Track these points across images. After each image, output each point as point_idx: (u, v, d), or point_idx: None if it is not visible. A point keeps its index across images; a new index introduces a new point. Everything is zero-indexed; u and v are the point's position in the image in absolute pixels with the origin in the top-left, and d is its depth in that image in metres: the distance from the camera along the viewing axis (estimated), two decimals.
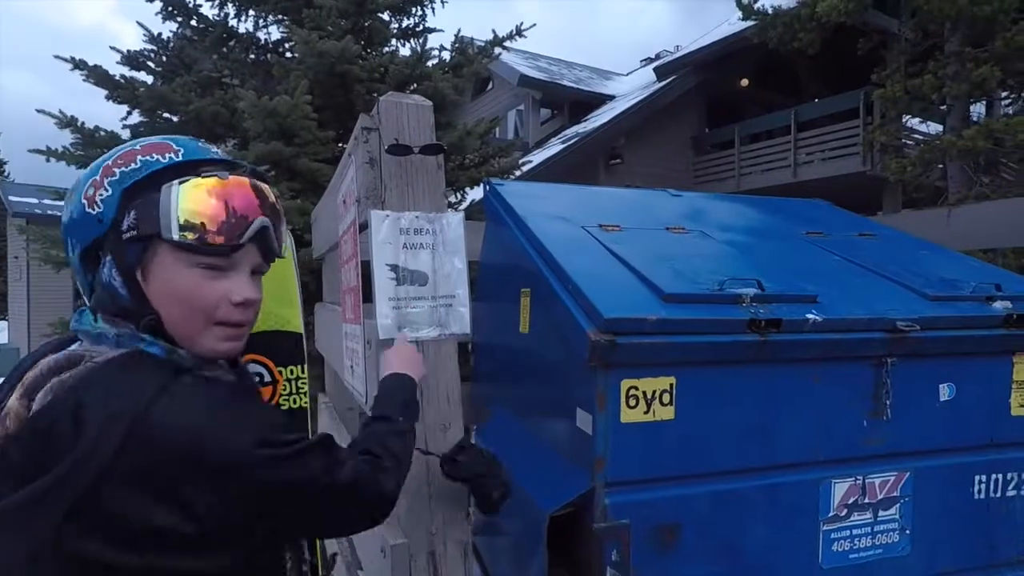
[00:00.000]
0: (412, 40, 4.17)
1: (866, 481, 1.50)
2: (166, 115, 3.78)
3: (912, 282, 1.69)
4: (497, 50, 4.06)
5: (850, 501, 1.49)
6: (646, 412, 1.33)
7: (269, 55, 3.88)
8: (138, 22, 3.69)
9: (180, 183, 0.75)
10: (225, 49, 4.04)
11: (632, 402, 1.32)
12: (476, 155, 4.06)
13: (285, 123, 2.86)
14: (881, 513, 1.52)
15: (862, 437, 1.50)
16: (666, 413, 1.35)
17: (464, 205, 4.30)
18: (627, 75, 14.76)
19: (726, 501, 1.40)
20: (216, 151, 0.83)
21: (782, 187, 9.54)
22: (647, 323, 1.29)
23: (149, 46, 3.77)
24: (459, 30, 4.19)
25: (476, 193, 3.90)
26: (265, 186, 0.82)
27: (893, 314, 1.49)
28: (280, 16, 3.74)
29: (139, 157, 0.77)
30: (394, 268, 1.09)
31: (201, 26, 3.80)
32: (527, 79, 11.83)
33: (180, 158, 0.78)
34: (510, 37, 4.20)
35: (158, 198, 0.74)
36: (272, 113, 2.81)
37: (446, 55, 4.17)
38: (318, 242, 2.45)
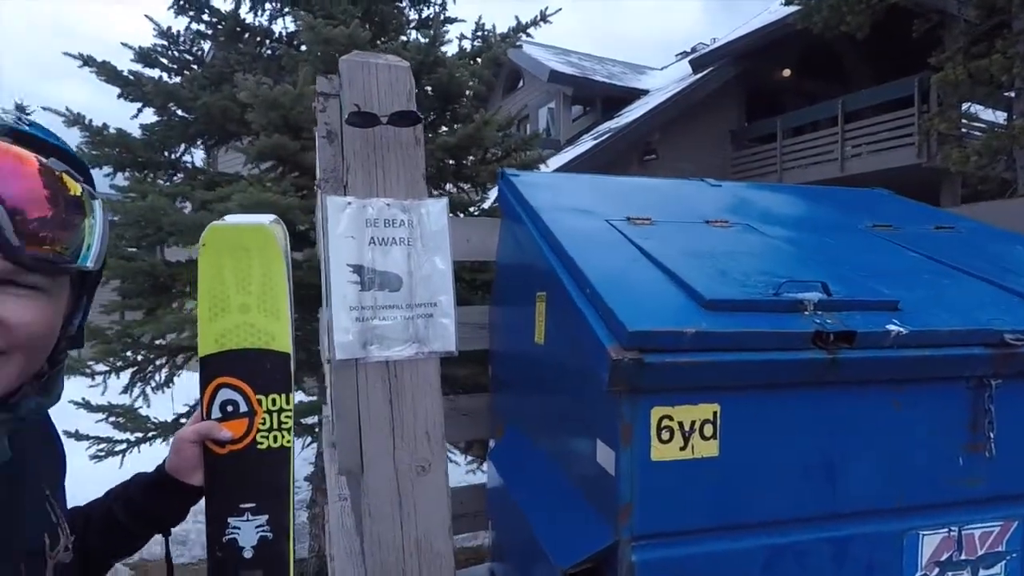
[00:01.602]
0: (430, 31, 3.97)
1: (963, 533, 1.20)
2: (180, 112, 3.67)
3: (1016, 284, 1.37)
4: (521, 37, 3.82)
5: (942, 558, 1.19)
6: (683, 448, 1.07)
7: (282, 48, 3.73)
8: (146, 15, 3.60)
9: None
10: (241, 44, 3.92)
11: (665, 435, 1.06)
12: (498, 149, 3.82)
13: (290, 115, 2.69)
14: (982, 572, 1.22)
15: (957, 477, 1.20)
16: (708, 449, 1.08)
17: (487, 204, 4.07)
18: (661, 69, 14.32)
19: (783, 559, 1.13)
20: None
21: (828, 181, 9.02)
22: (684, 337, 1.03)
23: (160, 41, 3.66)
24: (480, 17, 3.97)
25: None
26: (14, 149, 0.55)
27: (998, 324, 1.19)
28: (292, 6, 3.58)
29: None
30: (357, 269, 0.86)
31: (213, 20, 3.67)
32: (558, 75, 11.56)
33: None
34: (534, 23, 3.95)
35: None
36: (275, 104, 2.64)
37: (466, 44, 3.95)
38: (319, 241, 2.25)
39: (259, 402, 0.71)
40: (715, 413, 1.08)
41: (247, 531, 0.70)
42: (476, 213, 3.72)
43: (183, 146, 3.75)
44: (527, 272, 1.65)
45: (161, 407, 3.85)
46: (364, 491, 0.84)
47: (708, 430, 1.08)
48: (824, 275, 1.24)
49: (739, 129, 11.14)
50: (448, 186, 3.62)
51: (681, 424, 1.06)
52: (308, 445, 4.56)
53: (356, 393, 0.82)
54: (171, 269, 3.44)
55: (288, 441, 0.70)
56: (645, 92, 12.14)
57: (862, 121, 9.12)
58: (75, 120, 3.21)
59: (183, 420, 3.57)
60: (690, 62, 11.53)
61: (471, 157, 3.39)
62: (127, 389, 3.69)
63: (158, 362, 3.60)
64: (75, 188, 0.58)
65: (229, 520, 0.70)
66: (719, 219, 1.71)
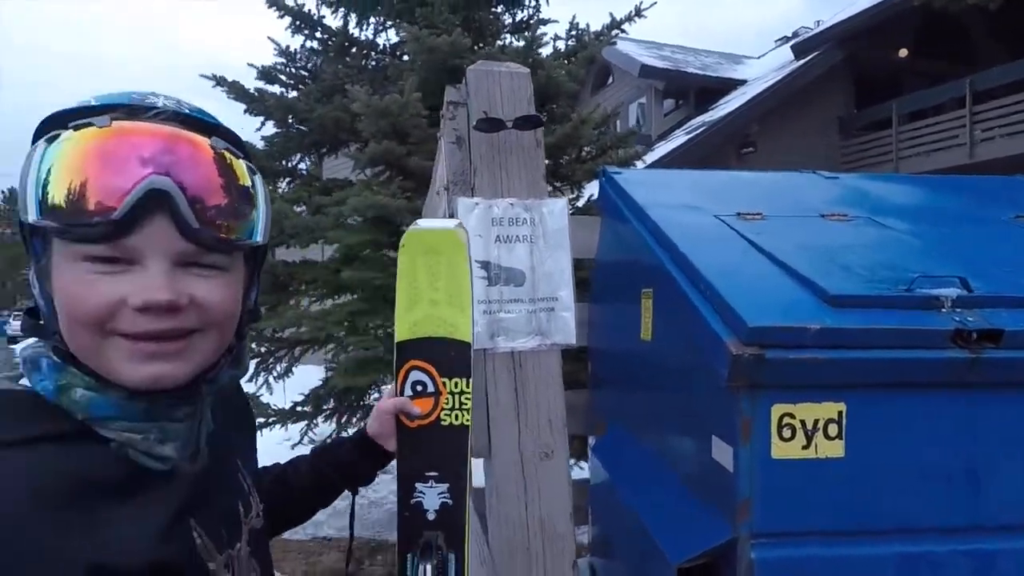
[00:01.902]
0: (526, 33, 4.03)
1: None
2: (297, 125, 3.97)
3: None
4: (615, 34, 3.80)
5: None
6: (805, 447, 1.04)
7: (387, 59, 3.94)
8: (268, 37, 3.93)
9: (48, 142, 0.55)
10: (348, 58, 4.17)
11: (787, 433, 1.04)
12: (593, 147, 3.82)
13: (397, 122, 2.84)
14: None
15: None
16: (833, 449, 1.05)
17: (582, 202, 4.08)
18: (759, 57, 13.63)
19: (915, 569, 1.07)
20: (151, 97, 0.60)
21: (954, 169, 8.21)
22: (808, 333, 1.00)
23: (279, 59, 3.99)
24: (574, 16, 3.99)
25: (594, 188, 3.67)
26: (186, 133, 0.57)
27: None
28: (396, 19, 3.77)
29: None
30: (485, 265, 0.92)
31: (324, 36, 3.94)
32: (649, 69, 11.30)
33: (72, 108, 0.58)
34: (629, 19, 3.92)
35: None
36: (384, 113, 2.80)
37: (560, 44, 3.98)
38: None
39: (443, 384, 0.80)
40: (841, 413, 1.04)
41: (431, 496, 0.79)
42: (571, 211, 3.75)
43: (299, 155, 4.05)
44: (631, 269, 1.66)
45: (280, 395, 4.18)
46: (490, 473, 0.90)
47: (833, 430, 1.04)
48: (961, 270, 1.16)
49: (848, 116, 10.38)
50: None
51: (803, 422, 1.04)
52: None
53: (484, 382, 0.87)
54: (289, 269, 3.73)
55: (468, 420, 0.78)
56: (742, 82, 11.60)
57: (995, 102, 8.21)
58: None
59: (299, 408, 3.86)
60: (792, 48, 10.88)
61: (567, 156, 3.42)
62: (252, 378, 4.03)
63: (279, 354, 3.91)
64: (242, 172, 0.61)
65: (416, 485, 0.79)
66: (836, 212, 1.63)
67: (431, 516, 0.78)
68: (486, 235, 0.92)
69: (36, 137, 0.57)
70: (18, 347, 0.61)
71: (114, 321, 0.55)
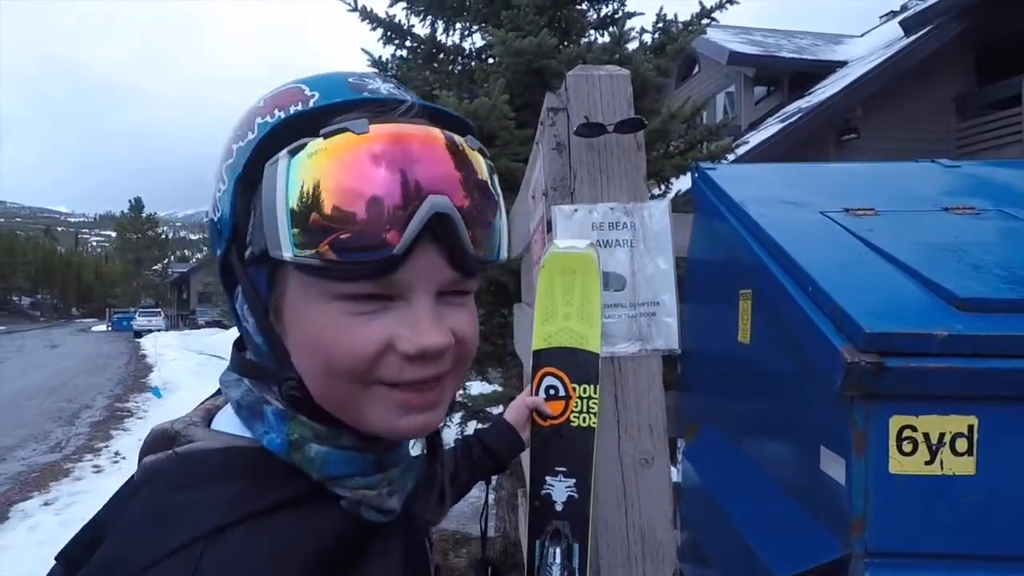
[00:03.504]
0: (612, 28, 3.98)
1: None
2: None
3: None
4: (705, 23, 3.66)
5: None
6: (929, 462, 0.97)
7: (473, 63, 4.02)
8: (362, 49, 4.12)
9: (290, 154, 0.44)
10: (436, 64, 4.30)
11: (907, 447, 0.97)
12: (682, 141, 3.72)
13: (485, 125, 2.90)
14: None
15: None
16: (962, 466, 0.96)
17: (669, 197, 3.98)
18: (862, 36, 12.67)
19: None
20: (371, 82, 0.50)
21: None
22: (934, 340, 0.93)
23: (372, 70, 4.17)
24: (661, 8, 3.88)
25: (682, 183, 3.57)
26: (456, 137, 0.48)
27: None
28: (482, 23, 3.84)
29: (257, 119, 0.49)
30: None
31: (414, 44, 4.08)
32: (738, 56, 10.81)
33: (305, 107, 0.48)
34: (720, 6, 3.77)
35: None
36: (473, 116, 2.86)
37: (647, 37, 3.89)
38: (514, 242, 2.40)
39: (573, 389, 0.88)
40: (972, 427, 0.96)
41: (559, 489, 0.85)
42: None
43: None
44: (727, 269, 1.60)
45: None
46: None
47: (962, 445, 0.96)
48: None
49: (967, 94, 9.43)
50: None
51: (927, 436, 0.97)
52: None
53: None
54: None
55: (594, 423, 0.84)
56: (842, 64, 10.84)
57: None
58: None
59: None
60: (900, 23, 10.03)
61: (655, 152, 3.35)
62: None
63: None
64: (491, 176, 0.51)
65: (546, 478, 0.86)
66: (961, 205, 1.50)
67: (559, 507, 0.84)
68: (586, 239, 0.93)
69: (264, 147, 0.46)
70: (224, 385, 0.54)
71: (378, 369, 0.46)
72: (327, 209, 0.43)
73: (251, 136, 0.49)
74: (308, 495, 0.48)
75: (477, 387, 4.85)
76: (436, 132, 0.47)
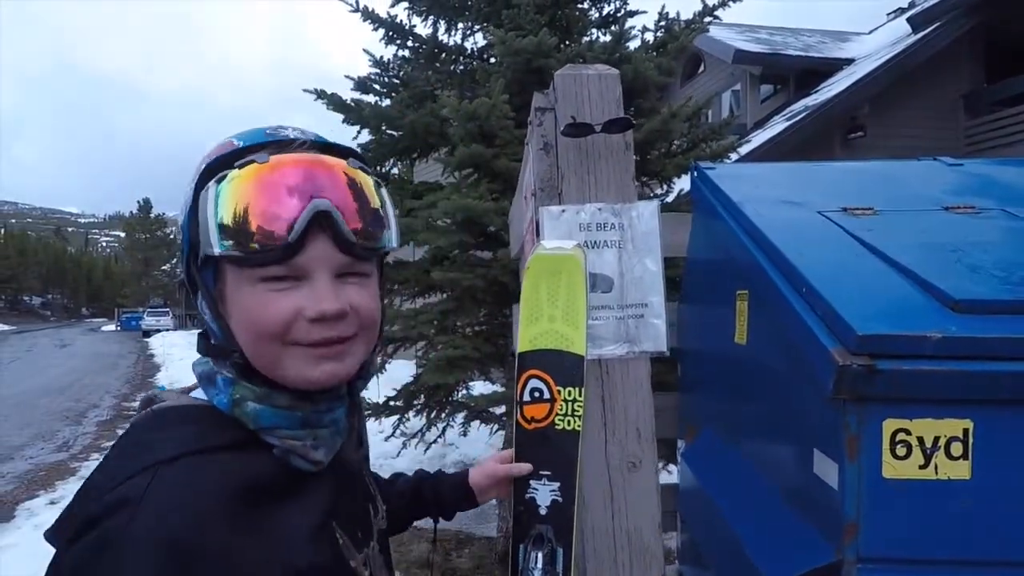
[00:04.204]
0: (613, 26, 3.96)
1: None
2: (390, 131, 4.14)
3: None
4: (708, 21, 3.64)
5: None
6: (923, 466, 0.95)
7: (474, 63, 4.01)
8: (364, 50, 4.11)
9: (217, 182, 0.61)
10: (438, 64, 4.29)
11: (901, 451, 0.95)
12: (684, 140, 3.69)
13: (485, 124, 2.89)
14: None
15: None
16: (957, 470, 0.95)
17: (671, 197, 3.96)
18: (869, 33, 12.57)
19: None
20: (282, 130, 0.66)
21: None
22: (927, 342, 0.91)
23: (374, 70, 4.17)
24: (663, 6, 3.86)
25: (684, 183, 3.55)
26: (328, 159, 0.64)
27: None
28: (484, 23, 3.83)
29: (201, 165, 0.66)
30: None
31: (415, 44, 4.07)
32: (743, 54, 10.74)
33: (229, 151, 0.64)
34: (722, 4, 3.74)
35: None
36: (472, 116, 2.86)
37: (649, 36, 3.87)
38: (512, 243, 2.39)
39: (558, 392, 0.86)
40: (966, 431, 0.94)
41: (543, 493, 0.85)
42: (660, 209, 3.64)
43: (391, 160, 4.22)
44: (725, 269, 1.59)
45: (374, 390, 4.38)
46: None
47: (957, 449, 0.95)
48: None
49: (976, 92, 9.32)
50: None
51: (922, 440, 0.95)
52: (495, 432, 4.86)
53: None
54: (383, 269, 3.90)
55: (579, 425, 0.83)
56: (849, 61, 10.75)
57: None
58: None
59: (392, 403, 4.03)
60: (908, 20, 9.94)
61: (655, 151, 3.33)
62: None
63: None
64: (374, 187, 0.67)
65: (531, 482, 0.86)
66: (962, 204, 1.48)
67: (543, 511, 0.84)
68: (573, 241, 0.92)
69: (201, 180, 0.63)
70: (193, 366, 0.69)
71: (291, 332, 0.61)
72: (242, 215, 0.59)
73: (197, 177, 0.65)
74: (247, 442, 0.62)
75: (480, 387, 4.84)
76: (322, 157, 0.64)
